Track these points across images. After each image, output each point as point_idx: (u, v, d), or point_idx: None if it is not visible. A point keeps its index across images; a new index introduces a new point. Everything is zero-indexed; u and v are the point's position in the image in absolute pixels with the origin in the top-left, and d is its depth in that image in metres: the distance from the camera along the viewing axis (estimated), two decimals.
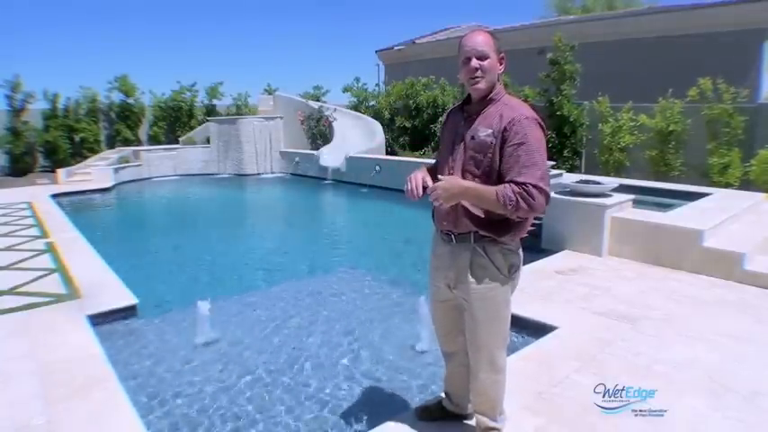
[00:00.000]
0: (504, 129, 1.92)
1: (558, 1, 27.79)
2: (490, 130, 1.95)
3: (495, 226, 1.98)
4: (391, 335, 3.87)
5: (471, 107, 2.08)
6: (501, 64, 2.03)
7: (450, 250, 2.11)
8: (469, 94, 2.09)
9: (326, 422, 2.78)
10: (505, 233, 1.99)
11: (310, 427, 2.75)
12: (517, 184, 1.85)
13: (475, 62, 1.97)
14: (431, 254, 2.26)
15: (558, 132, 10.82)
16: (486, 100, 2.03)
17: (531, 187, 1.83)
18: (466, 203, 1.99)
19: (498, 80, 2.04)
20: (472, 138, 2.00)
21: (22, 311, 3.86)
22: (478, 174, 1.97)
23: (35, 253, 5.42)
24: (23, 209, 7.87)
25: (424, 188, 2.01)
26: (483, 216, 1.98)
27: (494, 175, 1.95)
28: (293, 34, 69.72)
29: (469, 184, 1.93)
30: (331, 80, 56.91)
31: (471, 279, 2.04)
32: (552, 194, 5.64)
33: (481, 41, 1.98)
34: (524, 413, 2.54)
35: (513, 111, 1.95)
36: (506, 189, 1.85)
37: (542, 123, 1.98)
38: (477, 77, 1.98)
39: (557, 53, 10.78)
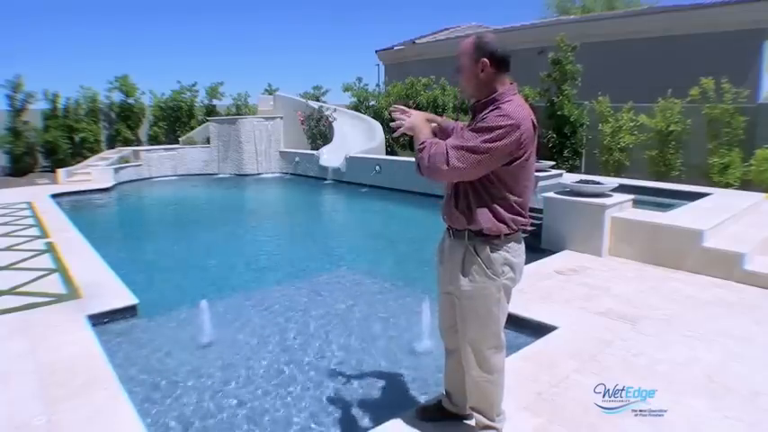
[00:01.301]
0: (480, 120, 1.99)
1: (558, 1, 27.79)
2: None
3: (475, 219, 2.02)
4: (391, 334, 3.87)
5: (477, 107, 2.10)
6: (484, 68, 2.00)
7: (449, 245, 2.17)
8: None
9: (326, 422, 2.78)
10: (481, 227, 2.01)
11: (310, 427, 2.75)
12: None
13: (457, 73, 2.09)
14: (438, 247, 2.32)
15: (558, 132, 10.82)
16: (488, 101, 2.03)
17: (443, 146, 1.93)
18: (455, 201, 2.08)
19: (491, 82, 2.02)
20: None
21: (23, 311, 3.86)
22: None
23: (35, 253, 5.42)
24: (23, 209, 7.87)
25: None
26: (467, 211, 2.03)
27: (484, 176, 1.98)
28: (293, 34, 69.76)
29: (424, 130, 2.07)
30: (331, 80, 57.03)
31: (461, 276, 2.07)
32: (552, 194, 5.74)
33: (459, 52, 2.07)
34: (524, 413, 2.54)
35: (497, 105, 1.97)
36: (434, 138, 2.02)
37: (514, 117, 1.91)
38: (460, 86, 2.11)
39: (558, 53, 10.78)
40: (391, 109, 2.20)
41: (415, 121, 2.11)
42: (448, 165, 1.88)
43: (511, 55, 2.04)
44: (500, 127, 1.88)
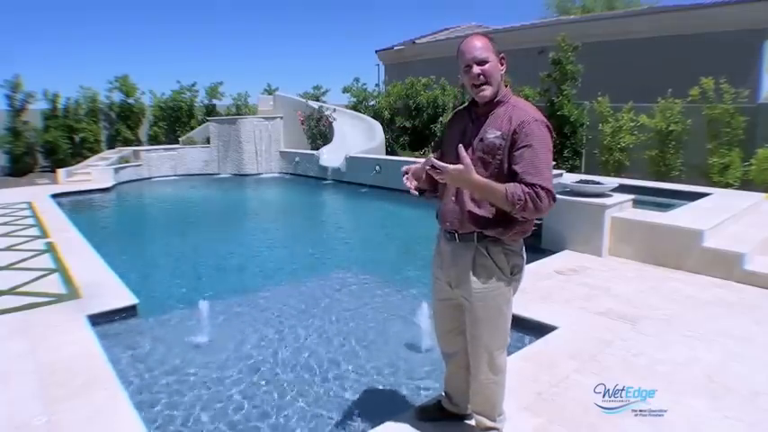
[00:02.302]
0: (514, 131, 1.93)
1: (558, 1, 27.79)
2: (499, 132, 1.96)
3: (497, 226, 1.99)
4: (391, 334, 3.87)
5: (479, 109, 2.08)
6: (502, 64, 2.03)
7: (452, 249, 2.12)
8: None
9: (326, 422, 2.78)
10: (507, 233, 2.00)
11: (310, 427, 2.75)
12: (527, 184, 1.87)
13: (476, 69, 1.97)
14: (434, 252, 2.27)
15: (558, 132, 10.82)
16: (493, 102, 2.03)
17: (540, 189, 1.85)
18: (471, 207, 2.01)
19: (501, 80, 2.04)
20: (481, 140, 2.01)
21: (23, 311, 3.86)
22: (486, 175, 1.97)
23: (35, 253, 5.42)
24: (23, 209, 7.87)
25: (434, 168, 1.94)
26: (490, 217, 1.98)
27: (501, 178, 1.95)
28: (293, 34, 69.75)
29: (480, 178, 1.91)
30: (331, 80, 57.01)
31: (473, 279, 2.04)
32: None
33: (480, 46, 1.98)
34: (524, 413, 2.54)
35: (523, 113, 1.96)
36: (516, 188, 1.87)
37: (550, 126, 1.99)
38: (482, 84, 1.98)
39: (559, 53, 10.78)
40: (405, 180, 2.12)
41: (461, 173, 1.87)
42: (554, 199, 1.90)
43: None
44: (545, 133, 1.95)
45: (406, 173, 2.05)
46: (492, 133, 1.98)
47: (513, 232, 2.01)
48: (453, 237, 2.10)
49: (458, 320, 2.20)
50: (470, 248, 2.05)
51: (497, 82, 2.01)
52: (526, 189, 1.86)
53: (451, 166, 1.86)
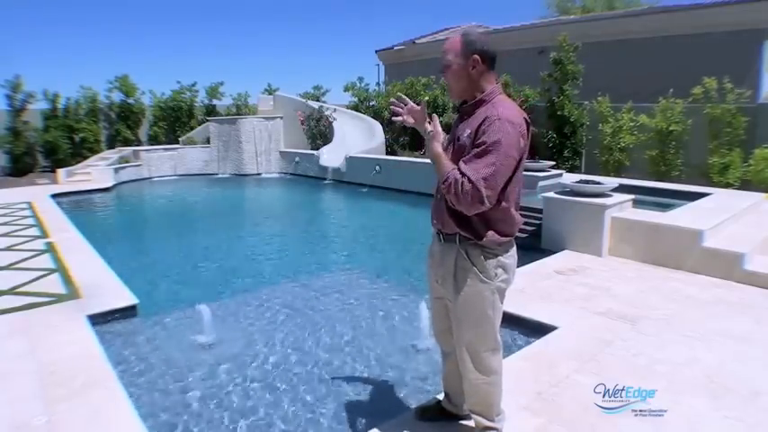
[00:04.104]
0: (477, 128, 1.91)
1: (558, 1, 27.78)
2: (470, 131, 1.95)
3: (473, 227, 1.98)
4: (390, 334, 3.87)
5: (465, 108, 2.08)
6: (476, 65, 1.97)
7: (440, 249, 2.14)
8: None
9: (325, 423, 2.78)
10: (484, 235, 1.98)
11: (309, 427, 2.75)
12: (460, 172, 1.87)
13: (445, 70, 2.04)
14: (428, 251, 2.29)
15: (558, 132, 10.83)
16: (477, 101, 2.01)
17: (466, 180, 1.84)
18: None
19: (480, 80, 1.99)
20: (458, 139, 2.02)
21: (23, 311, 3.86)
22: None
23: (35, 253, 5.42)
24: (23, 209, 7.87)
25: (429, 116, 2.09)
26: (470, 226, 1.98)
27: None
28: (294, 34, 69.76)
29: (438, 149, 2.00)
30: (331, 80, 57.03)
31: (454, 281, 2.05)
32: (552, 194, 5.74)
33: (444, 49, 2.03)
34: (524, 413, 2.54)
35: (493, 111, 1.91)
36: (454, 171, 1.90)
37: (516, 123, 1.90)
38: (447, 86, 2.09)
39: (560, 53, 10.78)
40: (391, 102, 2.19)
41: (437, 146, 2.00)
42: (484, 202, 1.85)
43: (497, 52, 2.02)
44: (507, 134, 1.86)
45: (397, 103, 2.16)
46: (465, 133, 1.97)
47: (490, 237, 1.98)
48: (440, 237, 2.12)
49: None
50: (453, 250, 2.05)
51: (462, 86, 2.02)
52: (457, 176, 1.87)
53: (428, 129, 2.03)
